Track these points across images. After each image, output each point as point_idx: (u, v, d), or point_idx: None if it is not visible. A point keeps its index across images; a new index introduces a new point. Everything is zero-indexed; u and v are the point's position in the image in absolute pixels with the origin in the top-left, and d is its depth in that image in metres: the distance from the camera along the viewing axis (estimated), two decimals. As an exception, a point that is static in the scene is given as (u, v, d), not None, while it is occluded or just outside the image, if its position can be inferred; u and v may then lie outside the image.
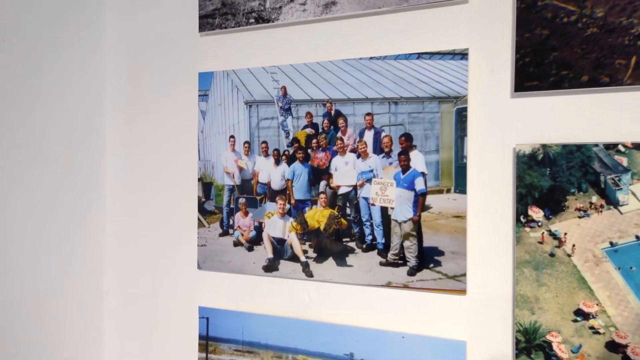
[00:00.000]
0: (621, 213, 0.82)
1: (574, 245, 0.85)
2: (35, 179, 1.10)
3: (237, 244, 1.13)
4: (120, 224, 1.24)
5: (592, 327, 0.83)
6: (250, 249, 1.11)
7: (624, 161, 0.81)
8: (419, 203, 0.96)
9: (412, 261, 0.96)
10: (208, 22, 1.14)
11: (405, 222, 0.97)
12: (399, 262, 0.98)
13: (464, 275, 0.92)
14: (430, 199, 0.95)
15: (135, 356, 1.23)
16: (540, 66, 0.87)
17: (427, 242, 0.95)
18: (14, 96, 1.06)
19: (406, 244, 0.97)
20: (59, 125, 1.15)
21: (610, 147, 0.82)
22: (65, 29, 1.16)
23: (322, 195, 1.04)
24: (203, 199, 1.16)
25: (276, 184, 1.09)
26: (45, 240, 1.12)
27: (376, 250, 1.00)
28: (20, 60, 1.08)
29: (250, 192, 1.11)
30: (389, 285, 0.98)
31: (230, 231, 1.13)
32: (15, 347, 1.07)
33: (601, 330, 0.83)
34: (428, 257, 0.95)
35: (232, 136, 1.13)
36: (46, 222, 1.12)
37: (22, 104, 1.08)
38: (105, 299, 1.25)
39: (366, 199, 1.00)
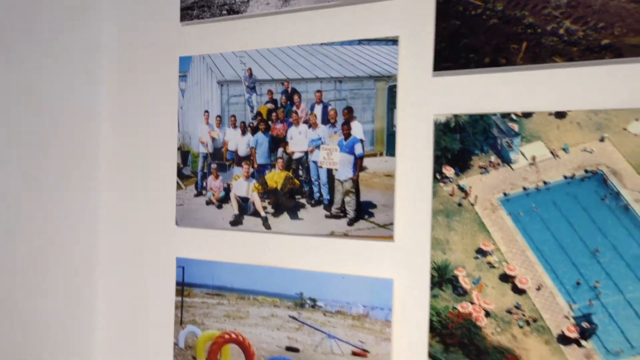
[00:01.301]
0: (512, 169, 1.02)
1: (476, 197, 1.04)
2: (31, 150, 1.30)
3: (209, 203, 1.32)
4: (111, 187, 1.44)
5: (489, 263, 1.03)
6: (219, 207, 1.31)
7: (516, 127, 1.01)
8: (357, 165, 1.16)
9: (351, 213, 1.16)
10: (188, 13, 1.34)
11: (346, 181, 1.17)
12: (341, 214, 1.17)
13: (392, 224, 1.12)
14: (366, 162, 1.15)
15: (123, 299, 1.43)
16: (454, 50, 1.06)
17: (364, 197, 1.15)
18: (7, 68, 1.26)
19: (346, 199, 1.17)
20: (55, 104, 1.35)
21: (505, 116, 1.02)
22: (64, 21, 1.36)
23: (279, 160, 1.24)
24: (181, 165, 1.36)
25: (242, 151, 1.29)
26: (39, 200, 1.32)
27: (322, 205, 1.19)
28: (18, 43, 1.28)
29: (221, 159, 1.31)
30: (332, 234, 1.18)
31: (204, 192, 1.33)
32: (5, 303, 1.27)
33: (496, 265, 1.02)
34: (364, 210, 1.15)
35: (206, 111, 1.33)
36: (40, 185, 1.32)
37: (17, 80, 1.27)
38: (98, 252, 1.45)
39: (315, 162, 1.20)
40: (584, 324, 0.94)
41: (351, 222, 1.16)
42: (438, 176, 1.07)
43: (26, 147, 1.27)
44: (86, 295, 1.43)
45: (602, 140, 0.94)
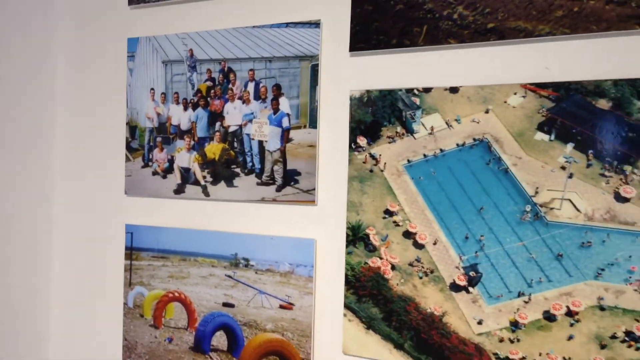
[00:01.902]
0: (415, 139, 1.16)
1: (385, 163, 1.19)
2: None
3: (154, 173, 1.46)
4: (66, 159, 1.57)
5: (394, 222, 1.18)
6: (164, 177, 1.44)
7: (418, 101, 1.16)
8: (285, 137, 1.30)
9: (279, 181, 1.30)
10: (135, -3, 1.47)
11: (275, 151, 1.31)
12: (270, 182, 1.31)
13: (314, 189, 1.26)
14: (292, 133, 1.29)
15: (77, 263, 1.56)
16: (366, 33, 1.20)
17: (290, 166, 1.29)
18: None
19: (275, 168, 1.31)
20: (14, 83, 1.47)
21: (409, 91, 1.16)
22: (19, 6, 1.48)
23: (217, 133, 1.38)
24: (129, 139, 1.49)
25: (184, 126, 1.42)
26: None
27: (254, 174, 1.33)
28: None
29: (165, 132, 1.44)
30: (262, 200, 1.32)
31: (150, 164, 1.46)
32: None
33: (400, 224, 1.17)
34: (290, 177, 1.29)
35: (152, 88, 1.46)
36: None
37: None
38: (53, 220, 1.58)
39: (248, 135, 1.34)
40: (471, 273, 1.10)
41: (279, 189, 1.30)
42: (353, 146, 1.21)
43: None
44: (43, 259, 1.56)
45: (487, 112, 1.08)
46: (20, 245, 1.49)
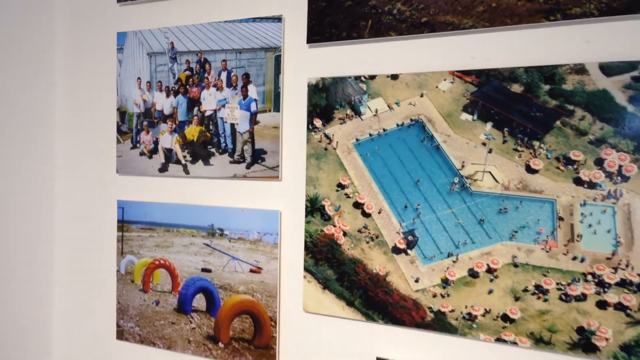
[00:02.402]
0: (362, 120, 1.34)
1: (337, 142, 1.36)
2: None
3: (142, 154, 1.65)
4: (65, 142, 1.77)
5: (346, 194, 1.36)
6: (150, 157, 1.64)
7: (364, 87, 1.33)
8: (253, 119, 1.48)
9: (248, 159, 1.49)
10: (123, -5, 1.65)
11: (244, 132, 1.49)
12: (241, 160, 1.50)
13: (278, 166, 1.45)
14: (259, 117, 1.47)
15: (75, 235, 1.76)
16: (321, 27, 1.38)
17: (257, 145, 1.47)
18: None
19: (245, 147, 1.49)
20: (17, 73, 1.67)
21: (357, 78, 1.34)
22: (22, 7, 1.67)
23: (195, 117, 1.57)
24: (120, 123, 1.68)
25: (167, 111, 1.61)
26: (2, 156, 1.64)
27: (227, 153, 1.52)
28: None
29: (150, 117, 1.64)
30: (234, 176, 1.51)
31: (138, 145, 1.66)
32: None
33: (350, 195, 1.35)
34: (258, 156, 1.47)
35: (138, 78, 1.65)
36: (4, 143, 1.65)
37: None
38: (55, 197, 1.79)
39: (222, 118, 1.52)
40: (409, 237, 1.27)
41: (248, 166, 1.48)
42: (310, 127, 1.39)
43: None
44: (45, 231, 1.77)
45: (421, 96, 1.26)
46: (25, 217, 1.69)
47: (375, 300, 1.30)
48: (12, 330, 1.67)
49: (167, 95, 1.59)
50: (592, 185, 1.08)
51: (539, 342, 1.13)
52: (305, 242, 1.39)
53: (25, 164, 1.68)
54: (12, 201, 1.66)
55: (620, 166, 1.06)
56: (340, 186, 1.34)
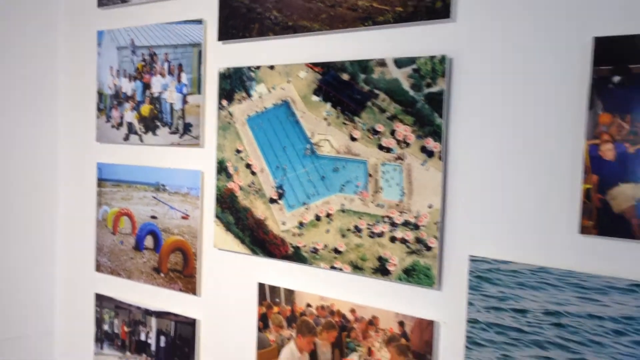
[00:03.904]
0: (252, 100, 1.83)
1: (236, 118, 1.88)
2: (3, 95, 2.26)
3: (112, 126, 2.23)
4: (64, 116, 2.39)
5: (241, 158, 1.86)
6: (118, 129, 2.21)
7: (253, 75, 1.83)
8: (184, 100, 2.02)
9: (181, 131, 2.03)
10: (102, 1, 2.23)
11: (179, 110, 2.03)
12: (176, 131, 2.04)
13: (199, 136, 1.98)
14: (189, 98, 2.00)
15: (69, 189, 2.38)
16: (227, 28, 1.88)
17: (187, 120, 2.01)
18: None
19: (179, 122, 2.03)
20: (24, 64, 2.29)
21: (249, 68, 1.84)
22: (27, 11, 2.29)
23: (147, 98, 2.12)
24: (98, 102, 2.28)
25: (129, 93, 2.17)
26: (6, 130, 2.28)
27: (167, 126, 2.07)
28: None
29: (119, 98, 2.21)
30: (172, 144, 2.05)
31: (110, 120, 2.24)
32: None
33: (244, 158, 1.85)
34: (187, 128, 2.01)
35: (111, 67, 2.23)
36: (6, 118, 2.28)
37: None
38: (58, 161, 2.41)
39: (164, 99, 2.07)
40: (279, 191, 1.77)
41: (181, 136, 2.02)
42: (219, 106, 1.90)
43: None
44: (47, 186, 2.40)
45: (288, 82, 1.74)
46: (31, 176, 2.32)
47: (258, 239, 1.81)
48: (20, 266, 2.31)
49: (129, 81, 2.15)
50: (388, 150, 1.53)
51: (356, 268, 1.60)
52: (216, 195, 1.91)
53: (32, 135, 2.31)
54: (17, 162, 2.29)
55: (405, 136, 1.50)
56: (238, 151, 1.85)
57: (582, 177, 1.24)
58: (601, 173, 1.22)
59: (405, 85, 1.48)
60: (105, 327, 2.23)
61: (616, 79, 1.20)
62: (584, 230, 1.24)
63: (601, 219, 1.22)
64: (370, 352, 1.55)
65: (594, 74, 1.22)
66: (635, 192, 1.19)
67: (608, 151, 1.21)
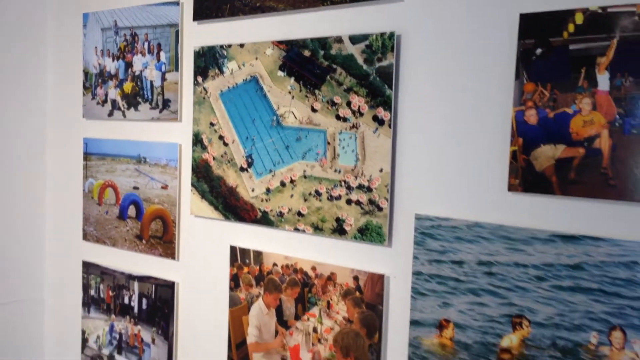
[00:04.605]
0: (224, 77, 1.98)
1: (210, 93, 2.02)
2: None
3: (98, 103, 2.37)
4: (53, 92, 2.53)
5: (215, 130, 2.01)
6: (102, 105, 2.36)
7: (225, 53, 1.97)
8: (163, 77, 2.16)
9: (160, 106, 2.17)
10: (85, -14, 2.37)
11: (158, 87, 2.17)
12: (156, 107, 2.18)
13: (177, 111, 2.12)
14: (167, 75, 2.14)
15: (57, 162, 2.52)
16: (201, 9, 2.02)
17: (166, 96, 2.15)
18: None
19: (159, 98, 2.17)
20: (15, 45, 2.43)
21: (222, 47, 1.98)
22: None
23: (129, 76, 2.26)
24: (84, 81, 2.42)
25: (112, 71, 2.31)
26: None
27: (148, 102, 2.21)
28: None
29: (103, 76, 2.35)
30: (152, 119, 2.20)
31: (95, 97, 2.38)
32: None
33: (217, 131, 2.00)
34: (166, 104, 2.15)
35: (95, 47, 2.37)
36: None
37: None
38: (45, 135, 2.55)
39: (145, 77, 2.21)
40: (249, 160, 1.91)
41: (160, 111, 2.17)
42: (195, 82, 2.05)
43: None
44: (37, 159, 2.54)
45: (256, 59, 1.88)
46: (20, 147, 2.47)
47: (230, 205, 1.96)
48: (11, 237, 2.46)
49: (113, 60, 2.29)
50: (345, 119, 1.68)
51: (316, 229, 1.75)
52: (192, 165, 2.05)
53: (21, 112, 2.45)
54: (8, 138, 2.44)
55: (359, 106, 1.64)
56: (212, 124, 1.99)
57: (509, 140, 1.39)
58: (526, 136, 1.37)
59: (360, 60, 1.62)
60: (92, 292, 2.38)
61: (538, 51, 1.34)
62: (511, 187, 1.39)
63: (525, 178, 1.37)
64: (329, 306, 1.71)
65: (520, 47, 1.37)
66: (554, 152, 1.34)
67: (531, 116, 1.35)
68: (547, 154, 1.33)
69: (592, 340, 1.29)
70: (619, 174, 1.25)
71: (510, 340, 1.40)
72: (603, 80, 1.26)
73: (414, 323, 1.54)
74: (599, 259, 1.28)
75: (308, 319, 1.74)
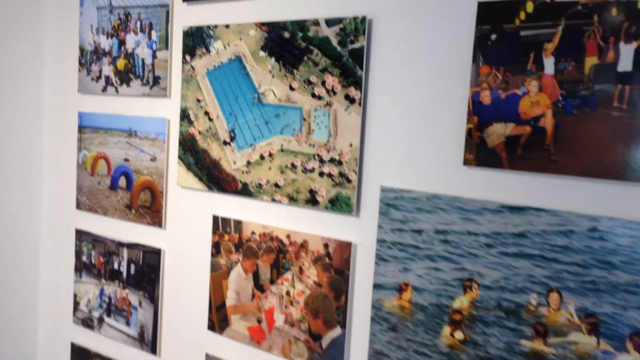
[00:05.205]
0: (211, 55, 2.10)
1: (197, 71, 2.14)
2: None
3: (92, 79, 2.49)
4: (50, 69, 2.64)
5: (201, 106, 2.13)
6: (97, 81, 2.47)
7: (212, 33, 2.08)
8: (154, 55, 2.27)
9: (151, 83, 2.29)
10: (82, -34, 2.47)
11: (149, 64, 2.29)
12: (147, 84, 2.30)
13: (167, 87, 2.24)
14: (157, 53, 2.26)
15: (53, 134, 2.65)
16: (191, -9, 2.13)
17: (156, 74, 2.26)
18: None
19: (149, 75, 2.29)
20: (11, 23, 2.54)
21: (209, 27, 2.09)
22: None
23: (122, 54, 2.38)
24: (80, 57, 2.53)
25: (107, 49, 2.43)
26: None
27: (139, 79, 2.33)
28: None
29: (97, 53, 2.47)
30: (143, 94, 2.32)
31: (90, 73, 2.50)
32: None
33: (203, 107, 2.12)
34: (156, 81, 2.27)
35: (91, 25, 2.48)
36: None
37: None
38: (43, 109, 2.67)
39: (137, 54, 2.33)
40: (231, 134, 2.04)
41: (151, 88, 2.29)
42: (183, 60, 2.16)
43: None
44: (35, 132, 2.66)
45: (240, 39, 2.00)
46: (17, 120, 2.59)
47: (213, 176, 2.08)
48: (8, 204, 2.59)
49: (107, 38, 2.40)
50: (319, 98, 1.80)
51: (291, 200, 1.87)
52: (179, 139, 2.18)
53: (19, 87, 2.57)
54: (5, 111, 2.56)
55: (333, 86, 1.76)
56: (198, 101, 2.11)
57: (466, 119, 1.51)
58: (480, 115, 1.49)
59: (334, 42, 1.74)
60: (84, 258, 2.51)
61: (493, 36, 1.46)
62: (466, 162, 1.51)
63: (479, 153, 1.49)
64: (301, 271, 1.84)
65: (477, 32, 1.49)
66: (505, 130, 1.46)
67: (486, 97, 1.47)
68: (498, 131, 1.45)
69: (532, 301, 1.42)
70: (560, 150, 1.37)
71: (461, 302, 1.53)
72: (549, 64, 1.38)
73: (376, 286, 1.67)
74: (540, 228, 1.41)
75: (282, 283, 1.87)
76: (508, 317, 1.45)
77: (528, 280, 1.43)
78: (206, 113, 2.06)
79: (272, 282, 1.89)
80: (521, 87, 1.41)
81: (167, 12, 2.16)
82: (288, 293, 1.85)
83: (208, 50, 2.04)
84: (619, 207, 1.31)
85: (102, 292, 2.44)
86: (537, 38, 1.39)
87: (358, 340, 1.71)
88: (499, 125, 1.44)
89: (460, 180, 1.52)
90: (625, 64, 1.28)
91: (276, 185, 1.88)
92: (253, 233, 1.94)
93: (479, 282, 1.49)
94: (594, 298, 1.34)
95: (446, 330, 1.54)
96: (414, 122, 1.59)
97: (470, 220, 1.51)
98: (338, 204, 1.74)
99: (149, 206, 2.26)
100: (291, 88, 1.83)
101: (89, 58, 2.45)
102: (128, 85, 2.31)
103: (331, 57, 1.74)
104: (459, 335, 1.52)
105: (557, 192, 1.38)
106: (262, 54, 1.90)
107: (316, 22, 1.76)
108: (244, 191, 1.96)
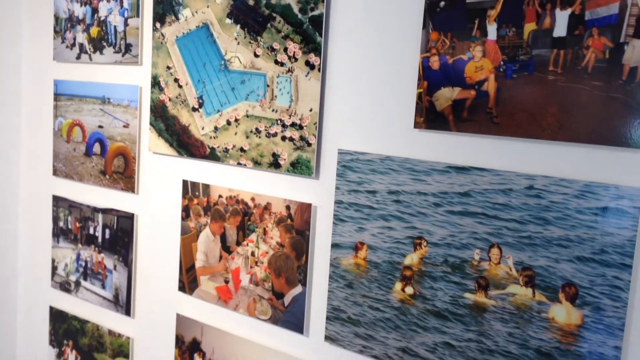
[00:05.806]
0: (180, 23, 2.16)
1: (167, 38, 2.20)
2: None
3: (67, 47, 2.55)
4: (27, 39, 2.70)
5: (171, 73, 2.20)
6: (71, 49, 2.53)
7: (181, 0, 2.15)
8: (125, 23, 2.33)
9: (123, 50, 2.35)
10: None
11: (121, 32, 2.35)
12: (119, 51, 2.36)
13: (138, 55, 2.30)
14: (129, 21, 2.32)
15: (31, 102, 2.72)
16: (161, -41, 2.19)
17: (128, 41, 2.33)
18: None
19: (122, 42, 2.35)
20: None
21: None
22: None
23: (95, 21, 2.43)
24: (55, 25, 2.59)
25: (80, 17, 2.48)
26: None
27: (112, 46, 2.39)
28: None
29: (72, 21, 2.52)
30: (115, 62, 2.37)
31: (64, 41, 2.56)
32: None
33: (173, 74, 2.19)
34: (128, 48, 2.33)
35: (65, -7, 2.53)
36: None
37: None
38: (21, 84, 2.73)
39: (110, 22, 2.38)
40: (200, 101, 2.11)
41: (123, 55, 2.35)
42: (154, 28, 2.23)
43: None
44: (10, 101, 2.73)
45: (207, 7, 2.06)
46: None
47: (183, 142, 2.16)
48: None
49: (81, 5, 2.46)
50: (282, 64, 1.87)
51: (256, 163, 1.96)
52: (150, 106, 2.25)
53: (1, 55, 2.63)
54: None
55: (294, 52, 1.84)
56: (168, 68, 2.18)
57: (417, 84, 1.59)
58: (430, 80, 1.57)
59: (295, 9, 1.81)
60: (61, 223, 2.60)
61: (442, 4, 1.53)
62: (417, 125, 1.60)
63: (428, 116, 1.58)
64: (265, 232, 1.93)
65: (427, 0, 1.56)
66: (451, 94, 1.54)
67: (435, 62, 1.55)
68: (445, 95, 1.53)
69: (475, 257, 1.52)
70: (501, 113, 1.46)
71: (412, 258, 1.62)
72: (492, 31, 1.46)
73: (334, 246, 1.76)
74: (483, 187, 1.50)
75: (247, 244, 1.96)
76: (454, 272, 1.55)
77: (472, 236, 1.52)
78: (176, 80, 2.13)
79: (238, 243, 1.99)
80: (467, 52, 1.49)
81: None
82: (253, 254, 1.95)
83: (177, 18, 2.11)
84: (553, 166, 1.40)
85: (78, 257, 2.53)
86: (481, 5, 1.47)
87: (318, 297, 1.81)
88: (447, 90, 1.52)
89: (411, 143, 1.60)
90: (560, 30, 1.35)
91: (241, 149, 1.96)
92: (220, 196, 2.03)
93: (428, 240, 1.58)
94: (530, 252, 1.43)
95: (398, 285, 1.64)
96: (369, 87, 1.66)
97: (420, 180, 1.59)
98: (299, 167, 1.82)
99: (122, 172, 2.34)
100: (255, 55, 1.90)
101: (63, 26, 2.51)
102: (101, 52, 2.38)
103: (293, 24, 1.81)
104: (409, 290, 1.62)
105: (499, 153, 1.47)
106: (227, 21, 1.97)
107: (278, -10, 1.82)
108: (212, 156, 2.04)
